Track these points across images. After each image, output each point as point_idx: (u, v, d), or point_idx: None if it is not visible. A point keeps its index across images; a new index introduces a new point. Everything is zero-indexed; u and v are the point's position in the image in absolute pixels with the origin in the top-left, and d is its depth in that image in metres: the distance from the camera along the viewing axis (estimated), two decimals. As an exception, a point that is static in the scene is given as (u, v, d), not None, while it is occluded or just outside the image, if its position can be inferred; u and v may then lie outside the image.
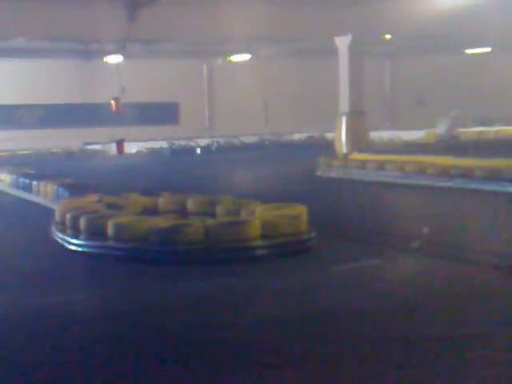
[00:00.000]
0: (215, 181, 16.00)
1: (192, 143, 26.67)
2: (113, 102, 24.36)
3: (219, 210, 9.59)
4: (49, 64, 29.53)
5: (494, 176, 12.72)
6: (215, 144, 26.91)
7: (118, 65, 25.84)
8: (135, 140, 26.31)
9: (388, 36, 23.07)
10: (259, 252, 7.96)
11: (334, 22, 20.74)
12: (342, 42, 21.00)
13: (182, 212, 10.03)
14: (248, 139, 28.12)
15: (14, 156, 23.04)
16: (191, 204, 10.24)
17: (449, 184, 13.33)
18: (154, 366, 4.64)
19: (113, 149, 26.04)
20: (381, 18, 20.67)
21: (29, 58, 28.53)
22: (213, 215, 9.38)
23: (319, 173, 16.66)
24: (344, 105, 21.11)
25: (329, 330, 5.29)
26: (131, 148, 25.77)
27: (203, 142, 27.06)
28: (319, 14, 20.46)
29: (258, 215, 8.63)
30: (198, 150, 25.65)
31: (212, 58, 32.10)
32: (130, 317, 5.82)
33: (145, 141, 26.95)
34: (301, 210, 8.64)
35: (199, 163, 22.09)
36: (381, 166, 15.30)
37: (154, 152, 25.77)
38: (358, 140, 20.25)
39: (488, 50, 31.00)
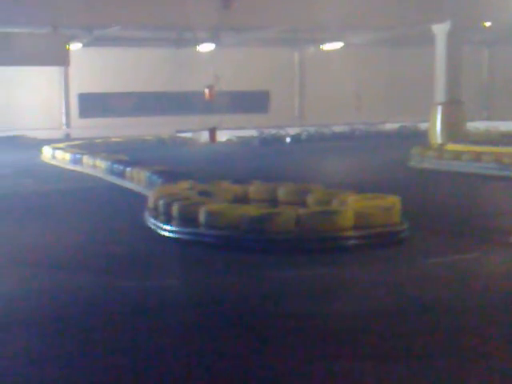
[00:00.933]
0: (305, 170, 15.89)
1: (282, 132, 26.60)
2: (207, 91, 24.50)
3: (310, 199, 9.48)
4: (142, 53, 30.03)
5: None
6: (305, 133, 26.72)
7: (211, 53, 26.03)
8: (226, 128, 26.44)
9: (488, 23, 22.29)
10: (351, 242, 7.85)
11: (431, 9, 20.18)
12: (440, 30, 20.40)
13: (273, 201, 9.98)
14: (338, 129, 27.82)
15: (108, 143, 23.55)
16: (282, 193, 10.17)
17: (549, 177, 12.80)
18: (236, 354, 4.61)
19: (203, 137, 26.28)
20: (480, 4, 19.98)
21: (123, 47, 29.09)
22: (303, 205, 9.29)
23: (412, 163, 16.30)
24: (440, 94, 20.53)
25: (424, 324, 5.14)
26: (221, 136, 25.93)
27: (293, 131, 26.94)
28: (415, 1, 19.98)
29: (350, 205, 8.50)
30: (288, 139, 25.54)
31: (304, 47, 31.87)
32: (218, 304, 5.84)
33: (235, 129, 27.05)
34: (394, 200, 8.46)
35: (289, 152, 22.02)
36: (477, 157, 14.81)
37: (243, 141, 25.84)
38: (453, 130, 19.66)
39: None
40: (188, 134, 26.94)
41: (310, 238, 7.82)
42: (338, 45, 28.95)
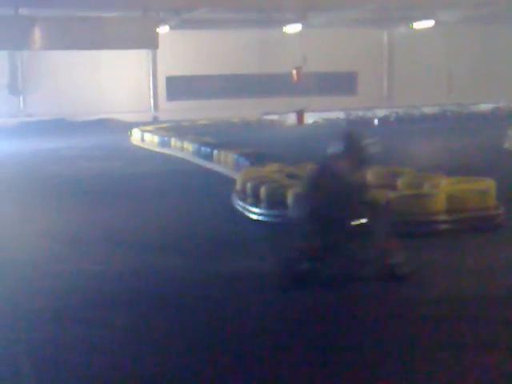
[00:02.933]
0: (394, 153, 15.51)
1: (369, 114, 26.17)
2: (294, 72, 24.26)
3: (400, 182, 9.24)
4: (229, 35, 30.07)
5: None
6: (394, 115, 26.20)
7: (298, 34, 25.78)
8: (312, 110, 26.20)
9: None
10: (444, 227, 7.59)
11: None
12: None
13: (362, 184, 9.77)
14: (429, 110, 27.12)
15: (195, 126, 23.74)
16: (371, 176, 9.94)
17: None
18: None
19: (290, 119, 26.15)
20: None
21: (210, 29, 29.22)
22: (393, 188, 9.05)
23: (507, 146, 15.69)
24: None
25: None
26: (308, 118, 25.72)
27: (381, 112, 26.46)
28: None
29: (442, 189, 8.22)
30: (376, 121, 25.10)
31: (393, 26, 31.18)
32: (305, 289, 5.73)
33: (321, 111, 26.77)
34: (489, 184, 8.14)
35: (377, 134, 21.59)
36: None
37: (330, 123, 25.55)
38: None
39: None
40: (274, 117, 26.85)
41: (400, 222, 7.60)
42: (429, 23, 28.17)
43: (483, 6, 23.88)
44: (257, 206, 8.69)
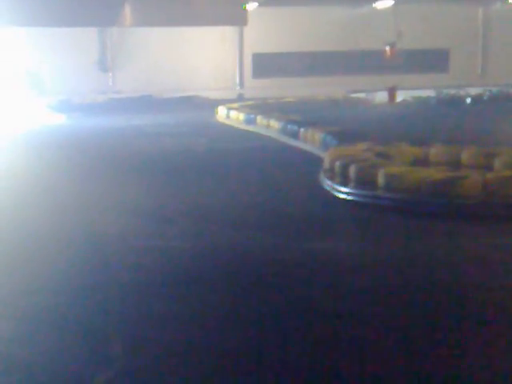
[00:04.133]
0: (487, 133, 14.92)
1: (461, 92, 25.28)
2: (388, 48, 23.63)
3: (498, 163, 8.83)
4: (317, 12, 29.64)
5: None
6: (487, 93, 25.22)
7: (390, 9, 25.12)
8: (402, 88, 25.54)
9: None
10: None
11: None
12: None
13: (455, 164, 9.40)
14: (526, 89, 25.96)
15: (281, 103, 23.47)
16: (466, 156, 9.60)
17: None
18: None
19: (378, 97, 25.57)
20: None
21: (298, 6, 28.86)
22: (490, 169, 8.65)
23: None
24: None
25: None
26: (398, 97, 25.09)
27: (474, 91, 25.53)
28: None
29: (544, 170, 7.78)
30: (468, 100, 24.22)
31: (489, 1, 30.00)
32: (393, 269, 5.60)
33: (412, 89, 26.06)
34: None
35: (469, 113, 20.86)
36: None
37: (420, 101, 24.80)
38: None
39: None
40: (362, 95, 26.32)
41: (499, 204, 7.23)
42: (527, -2, 26.95)
43: None
44: (346, 186, 8.45)
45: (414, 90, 25.96)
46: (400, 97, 25.27)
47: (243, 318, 4.59)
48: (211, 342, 4.24)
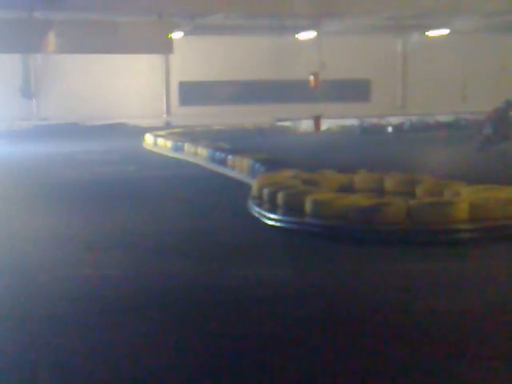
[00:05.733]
0: (409, 160, 15.40)
1: (383, 121, 26.03)
2: (312, 78, 24.14)
3: (420, 190, 9.13)
4: (243, 41, 30.07)
5: None
6: (408, 122, 26.04)
7: (313, 41, 25.72)
8: (326, 117, 26.11)
9: None
10: (466, 236, 7.44)
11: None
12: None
13: (379, 191, 9.67)
14: (443, 118, 26.96)
15: (209, 131, 23.68)
16: (389, 183, 9.87)
17: None
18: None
19: (303, 125, 26.05)
20: None
21: (224, 36, 29.19)
22: (412, 195, 8.95)
23: (524, 154, 15.54)
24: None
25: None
26: (322, 125, 25.63)
27: (395, 120, 26.31)
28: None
29: (464, 197, 8.09)
30: (390, 129, 24.95)
31: (407, 34, 31.09)
32: (323, 296, 5.65)
33: (335, 118, 26.66)
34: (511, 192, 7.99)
35: (391, 142, 21.48)
36: None
37: (344, 130, 25.43)
38: None
39: None
40: (288, 123, 26.76)
41: (422, 230, 7.48)
42: (444, 32, 28.06)
43: (498, 15, 23.75)
44: (274, 212, 8.57)
45: (338, 119, 26.56)
46: (325, 125, 25.82)
47: (174, 347, 4.59)
48: (140, 372, 4.23)
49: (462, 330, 4.75)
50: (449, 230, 7.47)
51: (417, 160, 15.32)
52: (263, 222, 8.56)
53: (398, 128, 24.93)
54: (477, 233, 7.41)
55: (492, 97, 30.59)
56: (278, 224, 8.37)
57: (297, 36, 27.17)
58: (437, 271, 6.26)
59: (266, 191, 9.12)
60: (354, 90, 31.68)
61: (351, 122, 26.36)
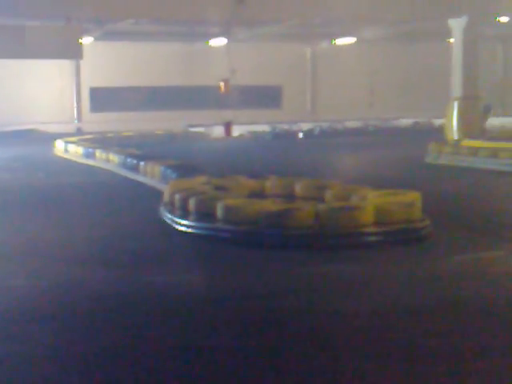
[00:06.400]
0: (319, 165, 15.75)
1: (294, 127, 26.47)
2: (222, 84, 24.35)
3: (328, 194, 9.34)
4: (154, 47, 29.94)
5: None
6: (318, 128, 26.57)
7: (224, 47, 25.90)
8: (238, 123, 26.33)
9: (504, 18, 22.06)
10: (372, 239, 7.70)
11: (448, 3, 19.98)
12: (457, 24, 20.21)
13: (290, 196, 9.86)
14: (352, 124, 27.65)
15: (120, 137, 23.49)
16: (299, 188, 10.05)
17: None
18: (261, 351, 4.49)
19: (215, 131, 26.17)
20: (498, -1, 19.81)
21: (135, 41, 29.00)
22: (321, 200, 9.15)
23: (428, 159, 16.13)
24: (456, 89, 20.34)
25: (453, 323, 4.98)
26: (234, 131, 25.83)
27: (306, 126, 26.80)
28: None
29: (370, 201, 8.35)
30: (301, 135, 25.40)
31: (316, 42, 31.72)
32: (236, 301, 5.71)
33: (247, 124, 26.92)
34: (414, 196, 8.30)
35: (302, 148, 21.87)
36: (494, 153, 14.63)
37: (256, 136, 25.70)
38: (469, 126, 19.48)
39: None
40: (200, 129, 26.83)
41: (330, 233, 7.68)
42: (351, 40, 28.77)
43: (402, 24, 24.53)
44: (185, 218, 8.62)
45: (250, 125, 26.82)
46: (237, 131, 26.02)
47: (80, 356, 4.56)
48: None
49: (366, 331, 4.92)
50: (356, 234, 7.70)
51: (326, 165, 15.69)
52: (175, 228, 8.59)
53: (308, 134, 25.41)
54: (382, 236, 7.66)
55: (397, 103, 31.72)
56: (189, 230, 8.41)
57: (208, 42, 27.29)
58: (342, 274, 6.44)
59: (177, 197, 9.14)
60: (266, 97, 32.04)
61: (263, 127, 26.67)
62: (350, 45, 29.58)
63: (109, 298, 5.82)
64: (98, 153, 17.07)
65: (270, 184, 10.45)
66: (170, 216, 8.97)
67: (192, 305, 5.60)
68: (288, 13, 20.42)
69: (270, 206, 8.16)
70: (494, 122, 25.71)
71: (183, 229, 8.50)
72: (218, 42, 26.60)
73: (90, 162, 17.12)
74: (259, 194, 9.99)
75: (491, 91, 32.12)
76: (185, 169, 12.04)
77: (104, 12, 20.30)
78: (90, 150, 17.74)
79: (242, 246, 7.68)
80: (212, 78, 26.62)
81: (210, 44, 27.53)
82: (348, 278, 6.29)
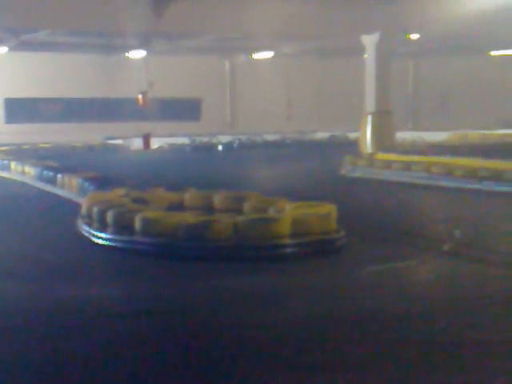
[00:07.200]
0: (238, 178, 15.89)
1: (214, 140, 26.61)
2: (140, 97, 24.29)
3: (246, 207, 9.47)
4: (72, 58, 29.53)
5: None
6: (237, 141, 26.81)
7: (143, 59, 25.83)
8: (157, 135, 26.27)
9: (415, 36, 22.85)
10: (289, 250, 7.85)
11: (361, 21, 20.57)
12: (370, 41, 20.84)
13: (208, 208, 9.93)
14: (270, 137, 28.01)
15: (37, 149, 23.07)
16: (218, 200, 10.14)
17: (477, 186, 13.14)
18: (175, 366, 4.53)
19: (134, 144, 26.03)
20: (409, 17, 20.48)
21: (52, 52, 28.55)
22: (240, 212, 9.26)
23: (343, 172, 16.52)
24: (370, 104, 20.94)
25: (361, 332, 5.13)
26: (153, 143, 25.75)
27: (225, 138, 26.99)
28: (346, 11, 20.30)
29: (287, 213, 8.51)
30: (220, 147, 25.56)
31: (235, 55, 32.02)
32: (156, 315, 5.70)
33: (166, 136, 26.89)
34: (330, 208, 8.51)
35: (221, 160, 22.01)
36: (407, 166, 15.12)
37: (175, 148, 25.71)
38: (383, 140, 20.08)
39: (514, 52, 30.73)
40: (119, 141, 26.63)
41: (248, 245, 7.79)
42: (269, 54, 29.17)
43: (319, 39, 25.07)
44: (103, 231, 8.57)
45: (169, 138, 26.79)
46: (156, 144, 25.94)
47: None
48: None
49: (283, 341, 5.01)
50: (273, 245, 7.84)
51: (245, 177, 15.84)
52: (93, 242, 8.53)
53: (228, 146, 25.59)
54: (298, 247, 7.83)
55: (314, 117, 32.32)
56: (108, 243, 8.38)
57: (128, 55, 27.14)
58: (258, 285, 6.51)
59: (95, 210, 9.09)
60: (185, 109, 32.08)
61: (182, 140, 26.68)
62: (269, 59, 29.99)
63: (22, 313, 5.73)
64: (13, 165, 16.73)
65: (189, 196, 10.50)
66: (87, 229, 8.91)
67: (107, 318, 5.56)
68: (206, 27, 20.57)
69: (189, 218, 8.23)
70: (405, 135, 26.57)
71: (101, 242, 8.46)
72: (137, 54, 26.49)
73: (5, 174, 16.76)
74: (178, 207, 10.02)
75: (403, 106, 33.17)
76: (103, 181, 11.96)
77: (18, 22, 19.93)
78: (5, 162, 17.38)
79: (161, 259, 7.70)
80: (131, 90, 26.46)
81: (128, 56, 27.38)
82: (263, 290, 6.38)
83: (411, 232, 9.20)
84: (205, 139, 26.85)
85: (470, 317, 5.43)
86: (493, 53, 31.64)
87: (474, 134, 27.06)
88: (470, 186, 13.27)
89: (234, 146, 26.16)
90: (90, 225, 8.98)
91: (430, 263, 7.45)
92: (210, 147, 25.49)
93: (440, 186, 13.77)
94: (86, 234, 8.84)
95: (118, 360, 4.64)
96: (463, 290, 6.29)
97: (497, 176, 13.00)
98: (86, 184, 11.97)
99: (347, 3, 20.04)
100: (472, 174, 13.49)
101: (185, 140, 26.60)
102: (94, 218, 9.06)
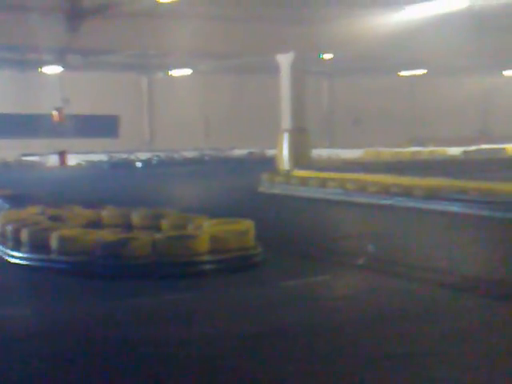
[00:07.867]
0: (157, 195, 15.87)
1: (132, 157, 26.45)
2: (55, 113, 23.94)
3: (165, 224, 9.48)
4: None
5: (433, 195, 13.02)
6: (155, 158, 26.73)
7: (59, 75, 25.48)
8: (74, 152, 25.92)
9: (328, 56, 23.41)
10: (207, 267, 7.90)
11: (276, 40, 20.94)
12: (284, 60, 21.22)
13: (127, 226, 9.88)
14: (188, 154, 28.06)
15: None
16: (136, 217, 10.10)
17: (389, 202, 13.56)
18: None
19: (51, 160, 25.60)
20: (323, 37, 20.97)
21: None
22: (158, 229, 9.26)
23: (261, 189, 16.72)
24: (286, 121, 21.29)
25: (280, 348, 5.22)
26: (70, 160, 25.40)
27: (144, 155, 26.87)
28: (262, 30, 20.64)
29: (205, 230, 8.57)
30: (139, 164, 25.42)
31: (152, 72, 31.97)
32: (73, 334, 5.63)
33: (84, 153, 26.56)
34: (248, 225, 8.61)
35: (140, 177, 21.88)
36: (323, 183, 15.45)
37: (92, 165, 25.40)
38: (299, 157, 20.42)
39: (423, 72, 31.81)
40: (35, 158, 26.13)
41: (166, 262, 7.81)
42: (187, 71, 29.26)
43: (235, 57, 25.36)
44: (18, 250, 8.43)
45: (86, 154, 26.46)
46: (73, 160, 25.59)
47: None
48: None
49: (194, 359, 5.00)
50: (191, 262, 7.88)
51: (163, 194, 15.83)
52: (7, 261, 8.37)
53: (146, 163, 25.48)
54: (217, 264, 7.90)
55: (232, 134, 32.58)
56: (22, 262, 8.24)
57: (42, 70, 26.69)
58: (175, 303, 6.52)
59: (9, 228, 8.92)
60: (103, 126, 31.75)
61: (100, 157, 26.40)
62: (186, 76, 30.07)
63: None
64: None
65: (107, 214, 10.43)
66: (1, 248, 8.73)
67: (23, 339, 5.47)
68: (123, 43, 20.50)
69: (107, 235, 8.18)
70: (322, 152, 27.09)
71: (16, 261, 8.31)
72: (52, 69, 26.09)
73: None
74: (96, 224, 9.93)
75: (319, 124, 33.85)
76: (18, 199, 11.74)
77: None
78: None
79: (78, 278, 7.61)
80: (46, 106, 26.05)
81: (43, 71, 26.94)
82: (180, 307, 6.37)
83: (327, 247, 9.41)
84: (123, 156, 26.66)
85: (380, 330, 5.60)
86: (402, 73, 32.70)
87: (387, 152, 27.87)
88: (383, 201, 13.69)
89: (153, 162, 26.08)
90: (3, 244, 8.81)
91: (345, 277, 7.65)
92: (129, 164, 25.31)
93: (354, 201, 14.14)
94: (0, 254, 8.66)
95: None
96: (376, 303, 6.49)
97: (408, 192, 13.45)
98: (0, 201, 11.72)
99: (262, 23, 20.38)
100: (385, 190, 13.92)
101: (103, 157, 26.33)
102: (8, 237, 8.89)
